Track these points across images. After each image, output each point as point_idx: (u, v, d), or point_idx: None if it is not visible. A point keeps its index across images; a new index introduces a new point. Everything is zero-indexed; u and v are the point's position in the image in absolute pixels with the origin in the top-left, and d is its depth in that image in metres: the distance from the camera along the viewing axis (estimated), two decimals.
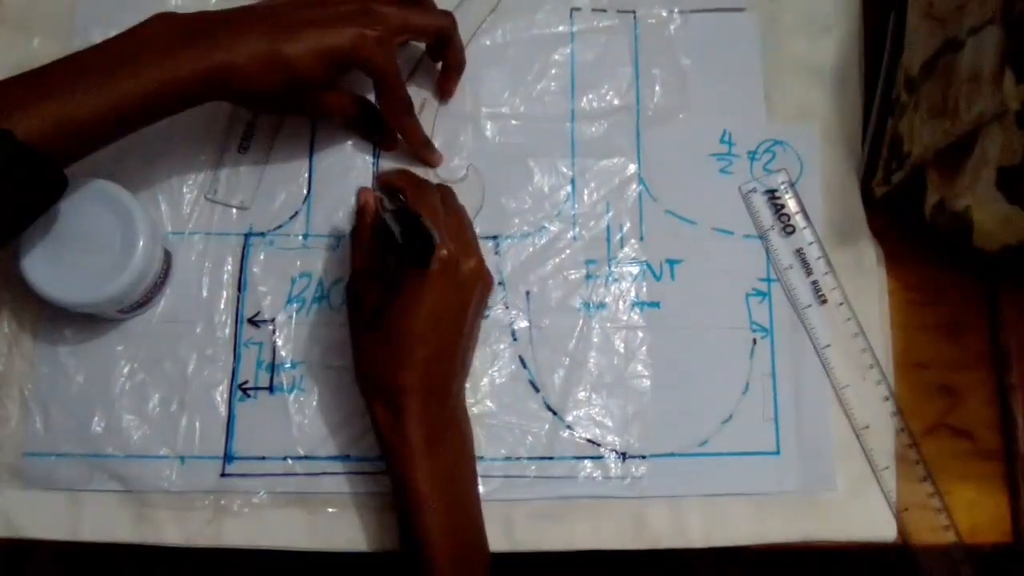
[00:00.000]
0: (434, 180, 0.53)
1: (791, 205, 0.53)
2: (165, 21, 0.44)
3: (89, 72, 0.41)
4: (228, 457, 0.49)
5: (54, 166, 0.41)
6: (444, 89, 0.53)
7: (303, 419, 0.49)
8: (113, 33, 0.52)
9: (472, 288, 0.46)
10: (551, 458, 0.49)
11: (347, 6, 0.46)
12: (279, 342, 0.50)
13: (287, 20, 0.44)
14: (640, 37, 0.56)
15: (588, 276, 0.52)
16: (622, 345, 0.51)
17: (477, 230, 0.51)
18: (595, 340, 0.51)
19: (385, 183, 0.49)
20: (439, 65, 0.53)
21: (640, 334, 0.52)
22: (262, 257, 0.51)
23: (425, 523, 0.43)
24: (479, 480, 0.48)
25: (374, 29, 0.45)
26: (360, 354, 0.46)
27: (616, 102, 0.55)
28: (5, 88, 0.41)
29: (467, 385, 0.49)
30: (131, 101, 0.42)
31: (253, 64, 0.43)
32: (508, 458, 0.49)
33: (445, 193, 0.49)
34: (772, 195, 0.54)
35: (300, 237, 0.52)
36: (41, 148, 0.40)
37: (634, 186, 0.54)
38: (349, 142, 0.53)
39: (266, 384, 0.50)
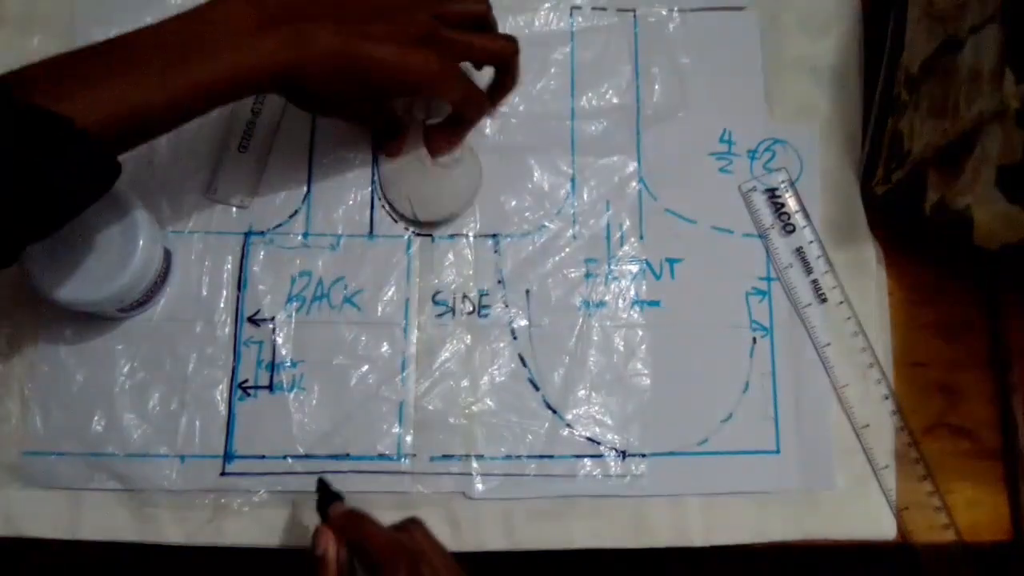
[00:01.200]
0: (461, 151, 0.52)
1: (791, 204, 0.53)
2: (236, 3, 0.41)
3: (154, 55, 0.39)
4: (228, 456, 0.49)
5: (111, 155, 0.39)
6: (493, 105, 0.53)
7: (303, 418, 0.49)
8: (113, 32, 0.52)
9: None
10: (551, 456, 0.49)
11: (417, 26, 0.45)
12: (279, 341, 0.50)
13: (365, 29, 0.43)
14: (640, 36, 0.56)
15: (588, 275, 0.52)
16: (622, 344, 0.51)
17: (476, 227, 0.52)
18: (595, 339, 0.51)
19: (354, 542, 0.42)
20: (482, 70, 0.53)
21: (640, 333, 0.52)
22: (262, 256, 0.51)
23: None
24: (479, 479, 0.48)
25: (441, 60, 0.45)
26: None
27: (616, 100, 0.55)
28: (65, 67, 0.38)
29: (466, 384, 0.50)
30: (197, 90, 0.40)
31: (329, 68, 0.42)
32: (508, 456, 0.49)
33: (417, 558, 0.41)
34: (772, 194, 0.54)
35: (300, 236, 0.52)
36: (99, 136, 0.37)
37: (634, 184, 0.54)
38: (348, 141, 0.53)
39: (266, 383, 0.50)
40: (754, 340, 0.52)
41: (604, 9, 0.56)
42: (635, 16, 0.56)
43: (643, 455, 0.50)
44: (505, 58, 0.50)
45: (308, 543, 0.48)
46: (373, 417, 0.49)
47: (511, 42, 0.50)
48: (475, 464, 0.49)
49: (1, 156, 0.35)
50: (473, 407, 0.50)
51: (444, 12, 0.46)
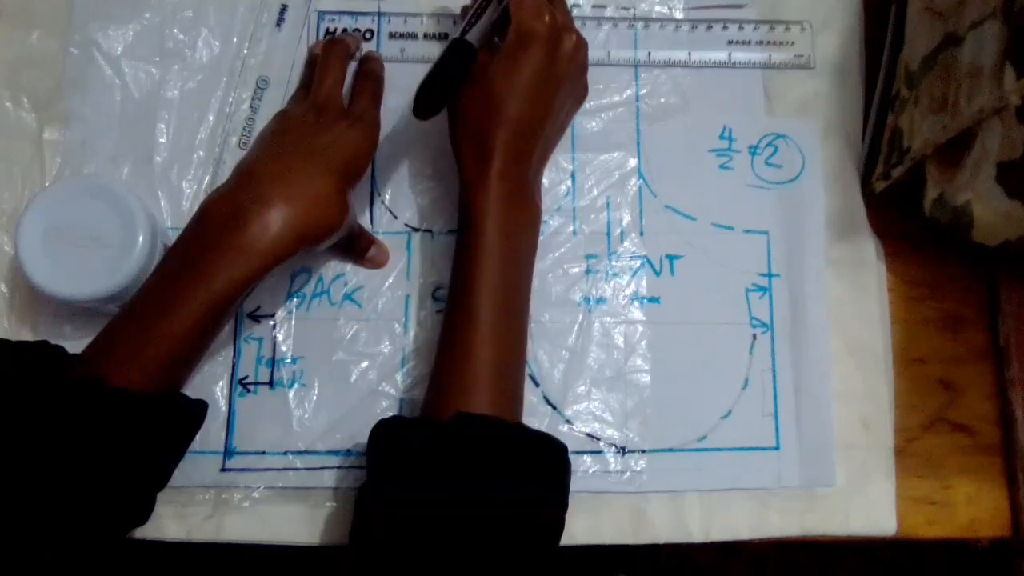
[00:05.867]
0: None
1: None
2: (213, 212, 0.43)
3: (166, 299, 0.41)
4: (228, 452, 0.49)
5: (175, 401, 0.43)
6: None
7: (303, 414, 0.49)
8: (111, 29, 0.53)
9: (568, 65, 0.47)
10: None
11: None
12: (279, 337, 0.50)
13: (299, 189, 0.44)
14: (640, 33, 0.56)
15: (588, 271, 0.52)
16: (622, 340, 0.51)
17: None
18: (595, 335, 0.51)
19: None
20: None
21: (640, 329, 0.52)
22: None
23: (480, 264, 0.44)
24: None
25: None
26: (458, 107, 0.47)
27: (616, 97, 0.55)
28: (116, 340, 0.41)
29: None
30: (206, 314, 0.41)
31: (293, 244, 0.43)
32: None
33: None
34: None
35: None
36: (168, 382, 0.41)
37: (634, 180, 0.54)
38: None
39: (266, 379, 0.50)
40: (754, 337, 0.52)
41: (605, 7, 0.56)
42: (635, 13, 0.56)
43: (643, 451, 0.50)
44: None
45: (308, 539, 0.48)
46: (373, 413, 0.49)
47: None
48: None
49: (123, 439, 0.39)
50: None
51: None
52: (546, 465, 0.42)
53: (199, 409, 0.44)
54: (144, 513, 0.43)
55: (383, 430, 0.42)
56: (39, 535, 0.37)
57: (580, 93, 0.51)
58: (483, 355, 0.43)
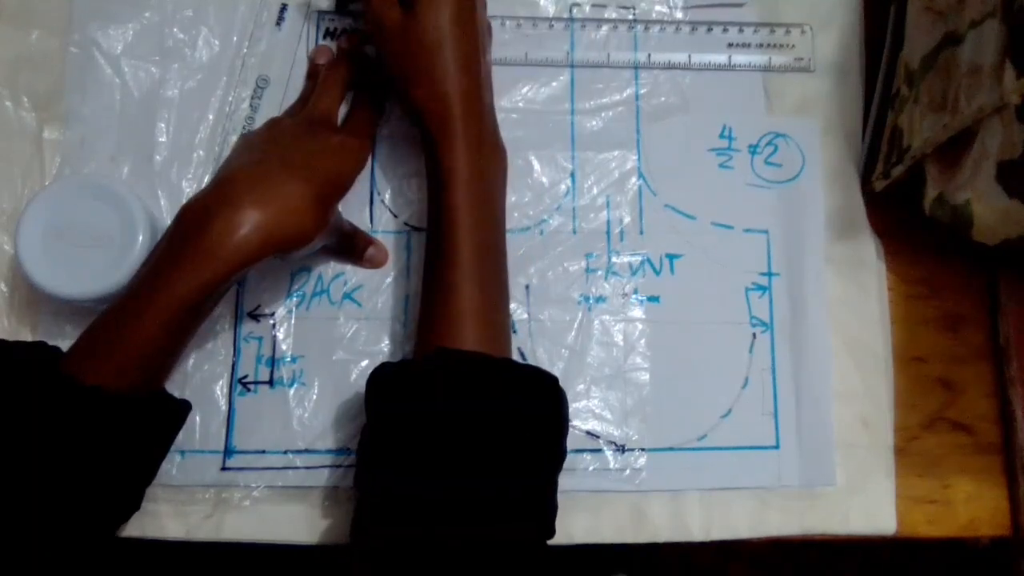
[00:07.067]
0: None
1: None
2: (184, 215, 0.43)
3: (138, 301, 0.42)
4: (228, 451, 0.49)
5: (158, 399, 0.44)
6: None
7: (303, 413, 0.49)
8: (111, 29, 0.53)
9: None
10: None
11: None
12: (279, 336, 0.50)
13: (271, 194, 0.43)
14: (640, 31, 0.56)
15: (588, 269, 0.52)
16: (621, 338, 0.51)
17: None
18: (595, 333, 0.51)
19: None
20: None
21: (639, 328, 0.52)
22: None
23: (458, 207, 0.44)
24: None
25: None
26: (405, 74, 0.47)
27: (616, 96, 0.55)
28: (98, 340, 0.42)
29: None
30: (175, 316, 0.41)
31: (259, 249, 0.42)
32: None
33: None
34: None
35: None
36: (144, 382, 0.42)
37: (634, 180, 0.54)
38: None
39: (266, 378, 0.50)
40: (754, 336, 0.52)
41: (605, 6, 0.56)
42: (635, 12, 0.56)
43: (642, 450, 0.50)
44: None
45: (308, 538, 0.48)
46: None
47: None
48: None
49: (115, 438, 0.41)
50: None
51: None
52: (538, 388, 0.42)
53: (177, 407, 0.45)
54: (130, 508, 0.44)
55: (373, 377, 0.43)
56: (24, 532, 0.38)
57: (487, 26, 0.51)
58: (466, 293, 0.43)
